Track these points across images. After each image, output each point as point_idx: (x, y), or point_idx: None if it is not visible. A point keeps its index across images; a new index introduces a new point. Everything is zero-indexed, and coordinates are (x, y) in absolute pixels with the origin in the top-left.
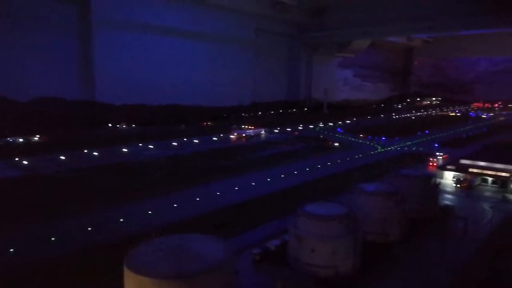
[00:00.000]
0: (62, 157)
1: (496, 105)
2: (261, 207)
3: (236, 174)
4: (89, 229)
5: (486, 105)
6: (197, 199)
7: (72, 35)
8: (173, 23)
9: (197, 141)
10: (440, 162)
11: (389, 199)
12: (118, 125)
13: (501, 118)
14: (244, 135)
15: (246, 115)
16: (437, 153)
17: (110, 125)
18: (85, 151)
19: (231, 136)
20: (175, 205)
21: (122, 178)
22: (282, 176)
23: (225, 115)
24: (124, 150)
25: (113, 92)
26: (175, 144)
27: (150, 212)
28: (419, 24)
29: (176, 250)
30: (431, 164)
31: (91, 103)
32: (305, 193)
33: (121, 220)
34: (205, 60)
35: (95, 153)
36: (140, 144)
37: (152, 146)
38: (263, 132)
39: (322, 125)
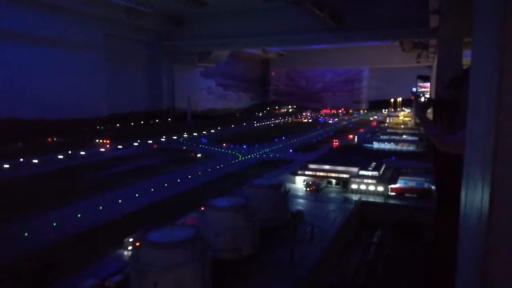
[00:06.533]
0: None
1: (340, 111)
2: (104, 236)
3: (79, 197)
4: None
5: (333, 111)
6: (24, 234)
7: None
8: (1, 24)
9: (36, 161)
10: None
11: (240, 213)
12: None
13: (344, 123)
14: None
15: (102, 127)
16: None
17: None
18: None
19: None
20: None
21: None
22: (137, 195)
23: (75, 128)
24: None
25: None
26: (6, 166)
27: None
28: (270, 38)
29: None
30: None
31: None
32: (158, 215)
33: None
34: (47, 67)
35: None
36: None
37: None
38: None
39: (186, 135)
